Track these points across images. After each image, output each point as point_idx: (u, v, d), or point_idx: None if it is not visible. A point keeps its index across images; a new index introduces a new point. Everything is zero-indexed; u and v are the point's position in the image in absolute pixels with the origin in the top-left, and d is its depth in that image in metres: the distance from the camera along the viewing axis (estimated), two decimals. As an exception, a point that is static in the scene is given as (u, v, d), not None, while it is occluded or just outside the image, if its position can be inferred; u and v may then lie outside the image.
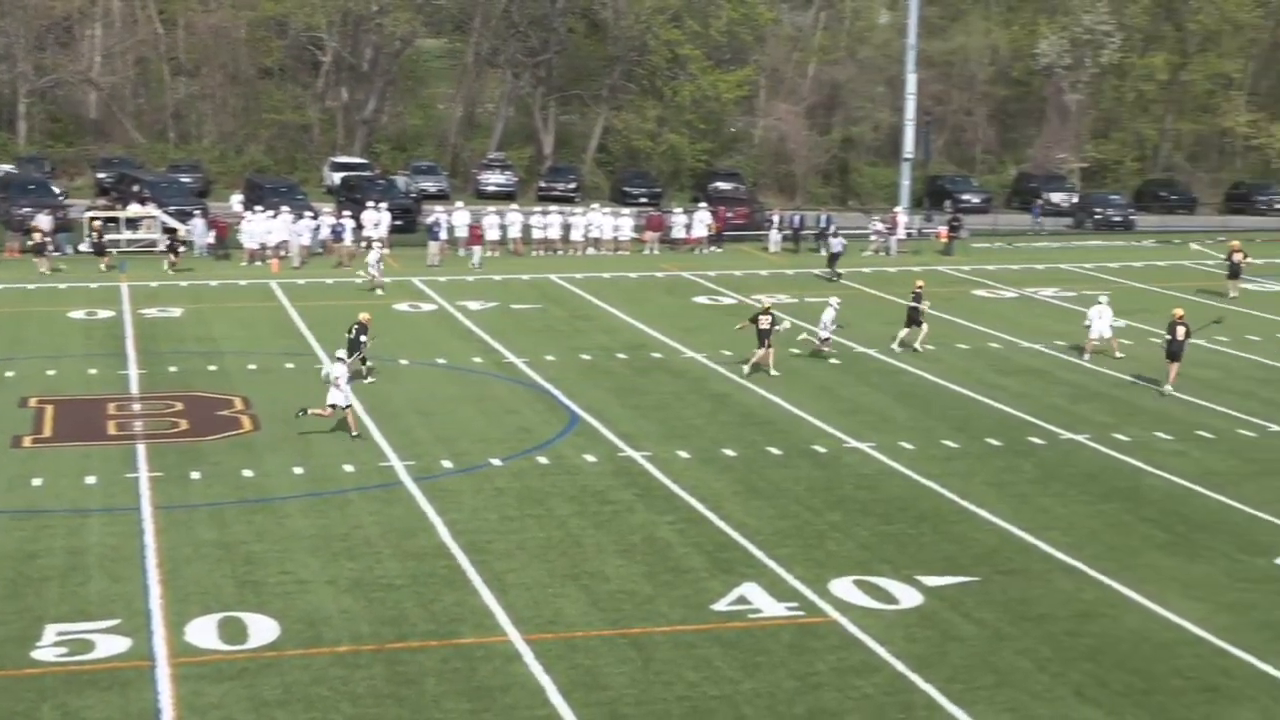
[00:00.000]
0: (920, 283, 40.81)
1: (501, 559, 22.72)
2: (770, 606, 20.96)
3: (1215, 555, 23.55)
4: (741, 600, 21.19)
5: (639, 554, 23.13)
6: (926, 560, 23.04)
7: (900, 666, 19.03)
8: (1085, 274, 55.06)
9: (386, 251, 51.21)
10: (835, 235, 54.40)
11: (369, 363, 34.62)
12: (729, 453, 29.12)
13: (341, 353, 30.88)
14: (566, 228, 58.32)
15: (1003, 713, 17.79)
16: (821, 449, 29.58)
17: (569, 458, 28.56)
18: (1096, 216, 71.15)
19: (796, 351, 38.37)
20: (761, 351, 36.17)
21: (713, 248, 59.91)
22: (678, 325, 42.82)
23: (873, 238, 60.34)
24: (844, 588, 21.75)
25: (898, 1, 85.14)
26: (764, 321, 36.18)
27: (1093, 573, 22.61)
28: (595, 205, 62.45)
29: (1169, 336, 35.24)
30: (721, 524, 24.63)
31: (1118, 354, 38.77)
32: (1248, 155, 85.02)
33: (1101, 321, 38.98)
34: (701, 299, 48.31)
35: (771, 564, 22.71)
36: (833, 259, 52.86)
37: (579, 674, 18.62)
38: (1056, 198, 75.05)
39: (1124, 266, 57.29)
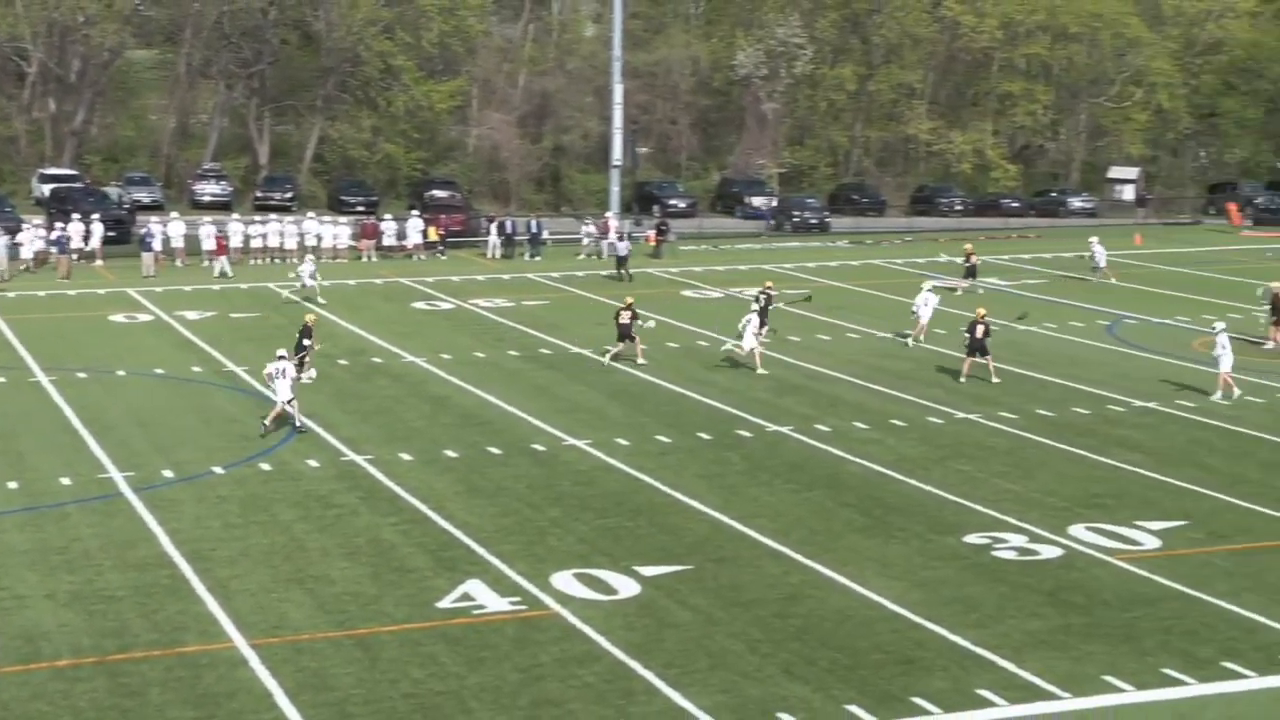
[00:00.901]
0: (769, 283, 42.83)
1: (225, 566, 22.69)
2: (494, 602, 21.34)
3: (909, 536, 24.79)
4: (465, 597, 21.53)
5: (364, 556, 23.35)
6: (643, 551, 23.76)
7: (620, 654, 19.56)
8: (785, 274, 56.98)
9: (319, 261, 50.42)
10: (622, 238, 56.17)
11: (308, 361, 34.99)
12: (450, 454, 29.53)
13: (283, 351, 31.67)
14: (283, 236, 58.06)
15: (717, 694, 18.43)
16: (540, 447, 30.21)
17: (292, 464, 28.57)
18: (794, 219, 73.64)
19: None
20: (622, 345, 38.07)
21: (439, 254, 60.38)
22: (397, 330, 43.03)
23: (585, 241, 61.69)
24: (565, 581, 22.27)
25: (603, 15, 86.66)
26: (624, 317, 38.02)
27: (798, 557, 23.56)
28: (311, 214, 62.20)
29: (969, 334, 37.05)
30: (444, 523, 25.00)
31: (921, 339, 41.37)
32: (930, 160, 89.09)
33: (927, 308, 41.40)
34: (420, 304, 48.56)
35: (494, 560, 23.14)
36: (620, 261, 54.28)
37: (306, 676, 18.72)
38: (757, 201, 77.71)
39: (820, 266, 59.54)
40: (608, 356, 38.25)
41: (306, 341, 34.81)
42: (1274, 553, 24.11)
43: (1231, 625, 20.89)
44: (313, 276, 47.62)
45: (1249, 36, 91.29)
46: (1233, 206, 79.95)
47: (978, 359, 36.94)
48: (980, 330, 36.78)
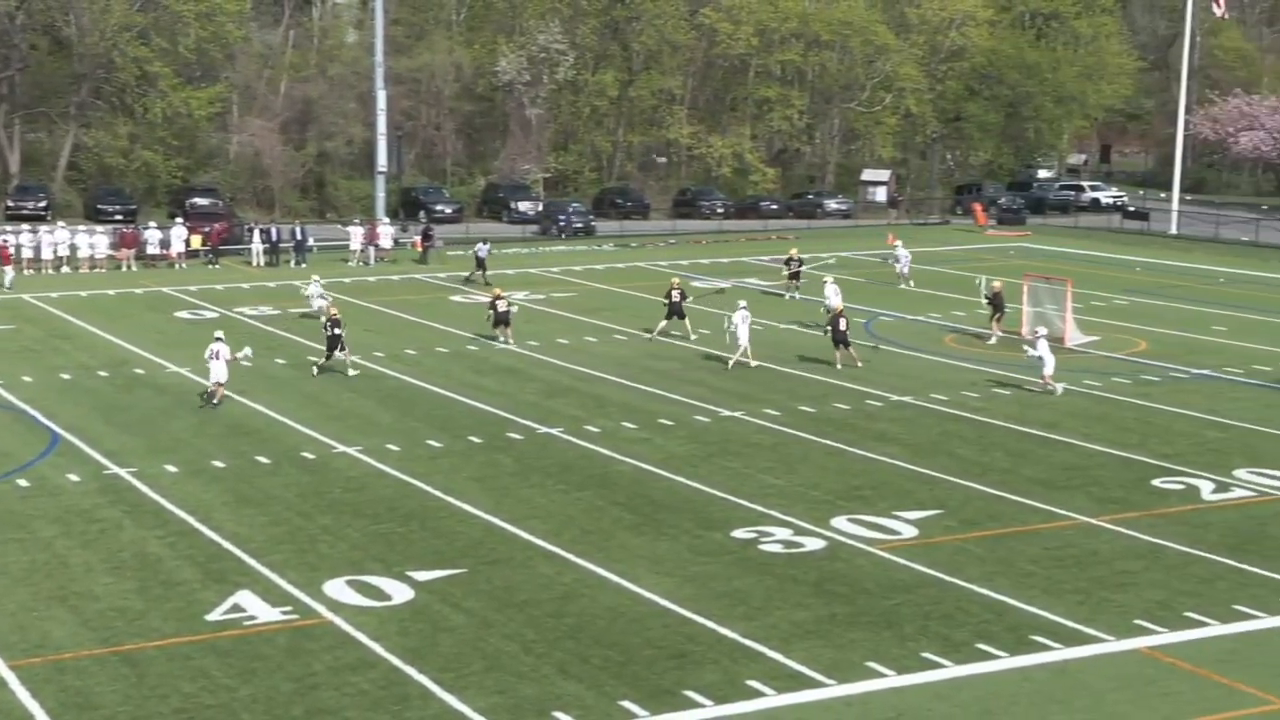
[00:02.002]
0: (676, 280, 44.71)
1: (-18, 587, 22.07)
2: (265, 612, 21.19)
3: (678, 532, 25.22)
4: (236, 608, 21.32)
5: (129, 570, 22.94)
6: (416, 556, 23.80)
7: (395, 660, 19.57)
8: (553, 277, 57.52)
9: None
10: (484, 242, 57.12)
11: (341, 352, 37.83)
12: (218, 464, 29.15)
13: (220, 332, 34.87)
14: (37, 247, 56.44)
15: (492, 695, 18.56)
16: (310, 455, 29.99)
17: (51, 478, 27.90)
18: (560, 223, 74.29)
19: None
20: (503, 327, 41.72)
21: (211, 263, 59.49)
22: (160, 341, 42.26)
23: (353, 247, 61.24)
24: (337, 588, 22.19)
25: (364, 21, 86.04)
26: (501, 305, 41.58)
27: (571, 556, 23.83)
28: (62, 223, 60.56)
29: (831, 327, 39.43)
30: (213, 535, 24.70)
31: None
32: (691, 164, 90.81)
33: (837, 298, 42.85)
34: (183, 314, 47.69)
35: (265, 571, 22.96)
36: (480, 264, 54.83)
37: (69, 695, 18.34)
38: (524, 206, 78.11)
39: (587, 269, 60.16)
40: (505, 340, 41.55)
41: (339, 331, 37.37)
42: (1022, 538, 25.20)
43: (984, 608, 21.78)
44: (321, 296, 46.31)
45: (988, 44, 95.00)
46: (978, 207, 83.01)
47: (843, 349, 39.21)
48: (843, 323, 39.10)
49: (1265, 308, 51.12)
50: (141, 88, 75.22)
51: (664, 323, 43.45)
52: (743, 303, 40.46)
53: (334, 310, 39.01)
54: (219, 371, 33.76)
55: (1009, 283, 47.49)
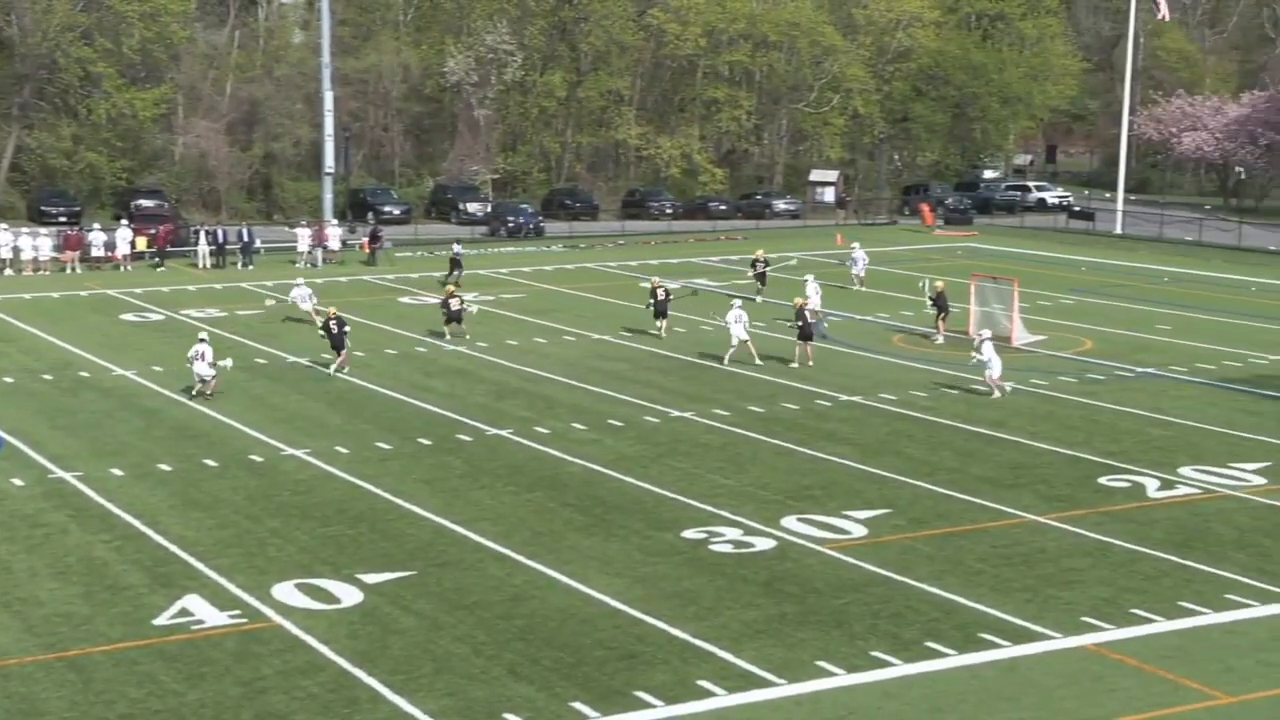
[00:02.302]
0: (656, 278, 45.54)
1: (-75, 593, 21.84)
2: (213, 616, 21.08)
3: (629, 533, 25.26)
4: (183, 613, 21.21)
5: (75, 575, 22.76)
6: (365, 558, 23.73)
7: (344, 663, 19.51)
8: (502, 278, 57.43)
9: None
10: (458, 243, 57.43)
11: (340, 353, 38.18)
12: (164, 467, 28.96)
13: (204, 334, 36.18)
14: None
15: (442, 698, 18.53)
16: (258, 458, 29.85)
17: (-7, 483, 27.69)
18: (509, 224, 74.18)
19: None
20: (454, 325, 42.83)
21: (157, 265, 59.15)
22: (105, 343, 41.97)
23: (301, 249, 60.97)
24: (286, 592, 22.10)
25: (310, 22, 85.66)
26: (454, 303, 42.64)
27: (521, 558, 23.81)
28: (3, 225, 59.99)
29: (799, 323, 39.95)
30: (160, 538, 24.54)
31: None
32: (640, 165, 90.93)
33: (818, 296, 44.03)
34: (129, 316, 47.36)
35: (212, 574, 22.84)
36: (457, 266, 54.64)
37: (13, 703, 18.20)
38: (472, 207, 78.03)
39: (536, 270, 60.13)
40: (448, 343, 42.21)
41: (347, 329, 37.83)
42: (970, 536, 25.36)
43: (933, 607, 21.91)
44: (305, 300, 45.72)
45: (935, 45, 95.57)
46: (925, 207, 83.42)
47: (802, 345, 39.79)
48: (809, 315, 39.98)
49: (1209, 307, 51.63)
50: (85, 88, 74.70)
51: (659, 321, 43.93)
52: (737, 301, 40.69)
53: (333, 310, 39.15)
54: (204, 372, 34.57)
55: (957, 283, 47.80)
